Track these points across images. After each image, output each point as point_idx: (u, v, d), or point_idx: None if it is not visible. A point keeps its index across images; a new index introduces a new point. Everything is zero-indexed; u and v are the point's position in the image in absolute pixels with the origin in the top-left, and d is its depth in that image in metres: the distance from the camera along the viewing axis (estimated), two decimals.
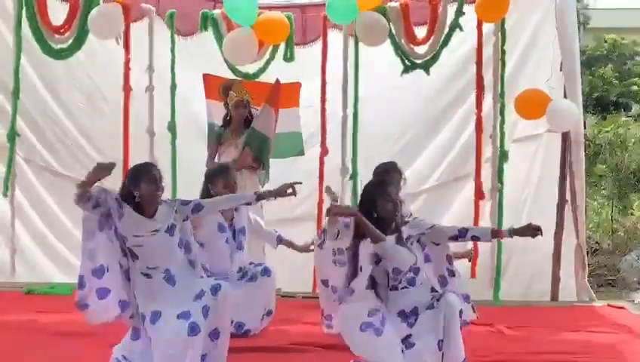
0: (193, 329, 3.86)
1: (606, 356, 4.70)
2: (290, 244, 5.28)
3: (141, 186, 4.03)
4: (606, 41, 24.56)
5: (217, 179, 5.02)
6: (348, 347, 4.64)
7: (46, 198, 6.88)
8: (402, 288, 4.03)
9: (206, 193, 5.03)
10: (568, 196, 6.32)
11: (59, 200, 6.82)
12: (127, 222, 3.98)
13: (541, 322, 5.47)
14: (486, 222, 6.03)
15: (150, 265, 4.06)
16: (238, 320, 4.90)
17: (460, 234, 4.09)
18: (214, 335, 4.05)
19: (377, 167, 4.95)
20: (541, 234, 4.05)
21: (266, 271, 5.14)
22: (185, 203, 4.23)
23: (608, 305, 6.14)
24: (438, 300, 3.95)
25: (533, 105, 5.85)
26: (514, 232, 4.11)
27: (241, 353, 4.52)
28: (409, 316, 4.01)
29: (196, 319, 3.89)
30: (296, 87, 6.48)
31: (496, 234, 4.25)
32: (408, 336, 3.92)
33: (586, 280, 6.35)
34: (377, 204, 4.04)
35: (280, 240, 5.28)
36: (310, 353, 4.65)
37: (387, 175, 4.71)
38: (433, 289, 4.11)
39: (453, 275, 4.22)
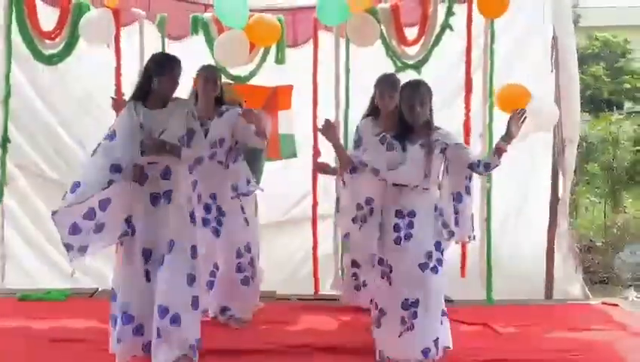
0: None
1: (600, 353, 4.72)
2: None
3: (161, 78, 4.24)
4: (597, 39, 24.63)
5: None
6: (344, 349, 4.69)
7: (39, 205, 6.83)
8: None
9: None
10: (561, 194, 6.34)
11: (52, 207, 6.77)
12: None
13: (535, 320, 5.47)
14: (475, 219, 6.03)
15: None
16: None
17: (477, 164, 4.28)
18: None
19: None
20: (523, 115, 4.28)
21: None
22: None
23: (602, 303, 6.16)
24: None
25: (513, 100, 5.85)
26: (507, 139, 4.27)
27: (236, 355, 4.55)
28: (405, 216, 4.27)
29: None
30: (288, 89, 6.49)
31: (499, 152, 4.29)
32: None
33: (581, 277, 6.38)
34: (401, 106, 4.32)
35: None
36: (306, 355, 4.65)
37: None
38: (437, 208, 4.34)
39: (469, 193, 4.40)
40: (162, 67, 4.28)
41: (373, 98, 5.23)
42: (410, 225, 4.29)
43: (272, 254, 6.21)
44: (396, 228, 4.30)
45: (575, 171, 6.64)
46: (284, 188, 6.71)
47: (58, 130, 6.88)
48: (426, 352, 4.27)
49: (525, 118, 4.28)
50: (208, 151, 4.93)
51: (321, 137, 6.20)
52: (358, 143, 5.25)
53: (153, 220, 4.22)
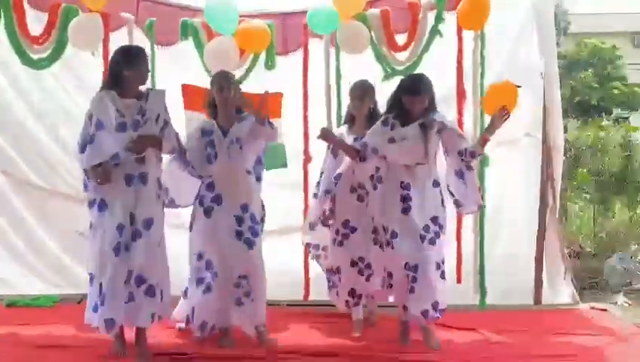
0: None
1: (589, 358, 4.73)
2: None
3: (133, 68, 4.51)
4: (586, 46, 24.80)
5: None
6: (335, 354, 4.67)
7: (24, 212, 6.74)
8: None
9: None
10: (550, 200, 6.35)
11: (37, 215, 6.70)
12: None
13: (525, 325, 5.48)
14: (468, 224, 6.04)
15: None
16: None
17: (465, 152, 4.74)
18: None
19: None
20: (508, 114, 4.73)
21: None
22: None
23: (591, 308, 6.18)
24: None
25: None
26: (490, 132, 4.79)
27: (228, 361, 4.52)
28: (405, 188, 4.77)
29: None
30: (278, 97, 6.39)
31: (482, 142, 4.83)
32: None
33: (571, 282, 6.39)
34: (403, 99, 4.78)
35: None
36: (297, 361, 4.63)
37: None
38: (435, 183, 4.84)
39: (470, 169, 4.81)
40: (132, 60, 4.56)
41: (349, 106, 5.50)
42: (408, 198, 4.75)
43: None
44: (402, 198, 4.77)
45: (563, 177, 6.67)
46: (276, 197, 6.67)
47: (45, 137, 6.80)
48: (425, 313, 4.73)
49: (508, 116, 4.69)
50: (226, 155, 4.88)
51: (311, 143, 6.25)
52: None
53: (128, 198, 4.49)
